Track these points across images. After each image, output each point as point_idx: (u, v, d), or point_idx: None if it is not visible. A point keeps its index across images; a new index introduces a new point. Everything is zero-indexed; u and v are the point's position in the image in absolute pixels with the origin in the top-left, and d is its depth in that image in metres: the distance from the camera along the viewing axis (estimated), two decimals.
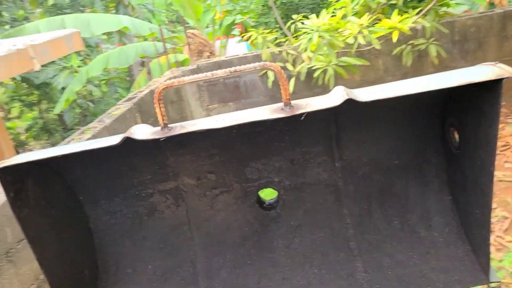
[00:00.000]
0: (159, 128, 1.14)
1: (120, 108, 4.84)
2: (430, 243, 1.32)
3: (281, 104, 1.05)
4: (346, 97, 0.99)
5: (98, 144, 1.14)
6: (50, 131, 12.51)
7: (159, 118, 1.10)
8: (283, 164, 1.35)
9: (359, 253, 1.33)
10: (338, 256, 1.34)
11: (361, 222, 1.35)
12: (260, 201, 1.41)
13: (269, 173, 1.36)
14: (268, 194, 1.43)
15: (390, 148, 1.34)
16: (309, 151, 1.33)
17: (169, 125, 1.14)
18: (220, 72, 1.12)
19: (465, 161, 1.21)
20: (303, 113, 0.99)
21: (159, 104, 1.09)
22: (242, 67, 1.08)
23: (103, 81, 13.85)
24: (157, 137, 1.10)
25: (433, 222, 1.33)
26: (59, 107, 9.16)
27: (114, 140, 1.10)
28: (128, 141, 1.15)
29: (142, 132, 1.11)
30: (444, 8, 5.84)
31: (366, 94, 1.02)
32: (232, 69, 1.08)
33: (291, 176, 1.36)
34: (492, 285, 1.21)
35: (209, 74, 1.12)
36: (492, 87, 1.00)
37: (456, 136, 1.25)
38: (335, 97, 1.01)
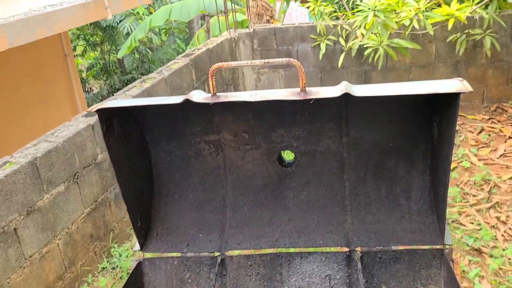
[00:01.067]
0: (209, 95, 1.53)
1: (178, 62, 5.29)
2: (406, 210, 1.67)
3: (298, 89, 1.41)
4: (344, 91, 1.33)
5: (165, 101, 1.55)
6: (109, 72, 13.09)
7: (211, 88, 1.49)
8: (301, 134, 1.73)
9: (350, 210, 1.71)
10: (333, 209, 1.73)
11: (356, 187, 1.73)
12: (280, 159, 1.81)
13: (289, 139, 1.74)
14: (287, 156, 1.83)
15: (388, 132, 1.68)
16: (323, 126, 1.70)
17: (217, 94, 1.52)
18: (256, 62, 1.48)
19: (439, 150, 1.54)
20: (312, 99, 1.35)
21: (212, 78, 1.48)
22: (273, 60, 1.44)
23: (163, 30, 14.34)
24: (207, 101, 1.49)
25: (412, 194, 1.68)
26: (122, 53, 9.75)
27: (177, 99, 1.50)
28: (186, 101, 1.56)
29: (198, 96, 1.51)
30: None
31: (362, 90, 1.35)
32: (266, 60, 1.44)
33: (306, 144, 1.74)
34: (447, 246, 1.57)
35: (248, 62, 1.49)
36: (455, 97, 1.32)
37: (436, 130, 1.57)
38: (337, 90, 1.35)
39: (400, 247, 1.62)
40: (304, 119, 1.69)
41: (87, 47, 13.49)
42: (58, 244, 3.42)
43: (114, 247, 4.01)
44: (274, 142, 1.75)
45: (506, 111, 5.93)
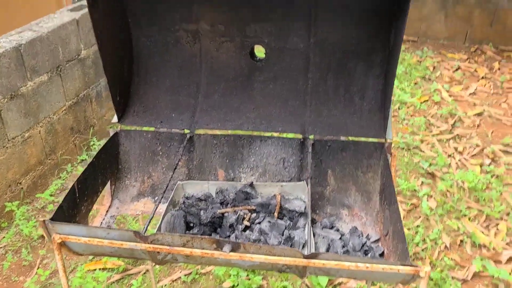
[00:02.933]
0: None
1: None
2: (358, 108, 1.87)
3: None
4: None
5: None
6: None
7: None
8: (273, 30, 1.86)
9: (309, 104, 1.91)
10: (295, 102, 1.92)
11: (317, 84, 1.90)
12: (252, 54, 1.96)
13: (262, 34, 1.88)
14: (259, 53, 1.98)
15: (351, 36, 1.83)
16: (293, 24, 1.83)
17: None
18: None
19: (391, 56, 1.72)
20: None
21: None
22: None
23: None
24: None
25: (366, 95, 1.87)
26: None
27: None
28: None
29: None
30: None
31: None
32: None
33: (277, 40, 1.88)
34: (388, 140, 1.80)
35: None
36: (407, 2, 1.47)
37: (393, 37, 1.73)
38: None
39: (348, 138, 1.84)
40: (277, 15, 1.82)
41: None
42: (40, 131, 3.59)
43: (93, 141, 4.20)
44: (248, 37, 1.89)
45: (485, 53, 6.08)
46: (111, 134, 1.90)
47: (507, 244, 3.24)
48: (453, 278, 2.97)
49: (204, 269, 3.10)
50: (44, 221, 1.34)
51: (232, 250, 1.34)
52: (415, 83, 5.44)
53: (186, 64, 1.96)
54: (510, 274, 2.93)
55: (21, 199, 3.44)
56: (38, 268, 3.04)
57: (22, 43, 3.31)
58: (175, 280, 3.04)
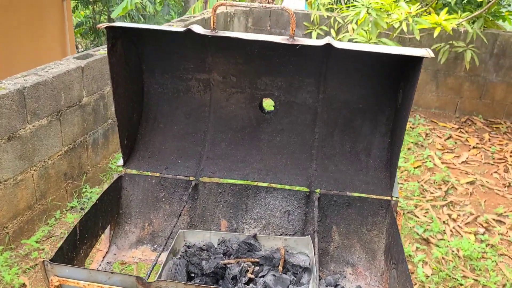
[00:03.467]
0: (209, 30, 1.69)
1: (173, 25, 5.39)
2: (364, 165, 1.89)
3: (287, 36, 1.58)
4: (327, 42, 1.52)
5: (166, 28, 1.70)
6: (97, 33, 13.01)
7: (212, 23, 1.64)
8: (283, 84, 1.91)
9: (316, 158, 1.92)
10: (301, 156, 1.93)
11: (324, 139, 1.93)
12: (261, 106, 2.00)
13: (272, 88, 1.93)
14: (268, 106, 2.01)
15: (359, 94, 1.88)
16: (304, 80, 1.89)
17: (216, 30, 1.68)
18: (256, 5, 1.66)
19: (399, 114, 1.76)
20: (299, 45, 1.53)
21: (214, 14, 1.64)
22: (270, 5, 1.62)
23: (159, 0, 14.26)
24: (207, 33, 1.64)
25: (372, 152, 1.89)
26: (116, 13, 9.70)
27: (180, 29, 1.65)
28: (182, 37, 1.71)
29: (199, 29, 1.67)
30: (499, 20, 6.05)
31: (343, 44, 1.54)
32: (264, 4, 1.62)
33: (286, 94, 1.93)
34: (394, 198, 1.79)
35: (248, 4, 1.66)
36: (419, 62, 1.52)
37: (401, 96, 1.79)
38: (321, 41, 1.54)
39: (354, 194, 1.84)
40: (288, 70, 1.87)
41: (79, 4, 13.32)
42: (33, 174, 3.52)
43: (86, 188, 4.13)
44: (258, 89, 1.93)
45: (475, 123, 6.27)
46: (115, 177, 1.87)
47: None
48: None
49: None
50: (43, 261, 1.28)
51: None
52: (408, 149, 5.54)
53: (194, 112, 1.98)
54: None
55: (6, 244, 3.31)
56: None
57: (26, 86, 3.33)
58: None
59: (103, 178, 4.40)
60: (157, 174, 1.90)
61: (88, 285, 1.28)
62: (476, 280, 3.49)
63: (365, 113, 1.89)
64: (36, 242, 3.46)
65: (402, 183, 4.92)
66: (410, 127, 6.09)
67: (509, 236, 4.03)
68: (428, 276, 3.50)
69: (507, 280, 3.47)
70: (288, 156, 1.92)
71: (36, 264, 3.31)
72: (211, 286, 1.27)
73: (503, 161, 5.44)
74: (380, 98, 1.86)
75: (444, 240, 3.97)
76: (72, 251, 1.51)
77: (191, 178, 1.89)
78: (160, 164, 1.92)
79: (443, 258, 3.74)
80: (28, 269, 3.26)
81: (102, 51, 4.31)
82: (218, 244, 1.76)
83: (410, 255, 3.77)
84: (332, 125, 1.91)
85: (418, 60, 1.54)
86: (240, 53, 1.86)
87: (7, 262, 3.21)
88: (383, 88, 1.84)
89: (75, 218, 3.79)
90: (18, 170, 3.37)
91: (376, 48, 1.52)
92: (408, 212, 4.39)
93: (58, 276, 1.29)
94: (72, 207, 3.98)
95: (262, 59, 1.86)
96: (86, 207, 3.98)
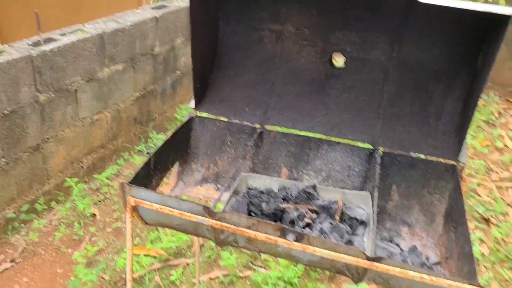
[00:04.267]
0: None
1: None
2: (433, 129, 1.84)
3: None
4: None
5: None
6: None
7: None
8: (357, 40, 1.89)
9: (383, 118, 1.90)
10: (369, 114, 1.92)
11: (393, 99, 1.90)
12: (331, 61, 2.00)
13: (345, 43, 1.91)
14: (338, 63, 2.01)
15: (436, 56, 1.82)
16: (379, 37, 1.86)
17: None
18: None
19: (477, 78, 1.69)
20: None
21: None
22: None
23: None
24: None
25: (442, 116, 1.84)
26: None
27: None
28: None
29: None
30: None
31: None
32: None
33: (359, 50, 1.91)
34: (461, 164, 1.75)
35: None
36: (505, 23, 1.44)
37: (481, 60, 1.71)
38: None
39: (419, 156, 1.82)
40: (363, 26, 1.84)
41: None
42: (107, 116, 3.77)
43: (152, 134, 4.35)
44: (330, 43, 1.93)
45: None
46: (186, 118, 1.97)
47: None
48: None
49: (242, 273, 3.10)
50: (122, 183, 1.41)
51: (296, 240, 1.34)
52: (478, 126, 5.28)
53: (265, 63, 2.02)
54: None
55: (80, 177, 3.60)
56: (87, 243, 3.15)
57: (106, 32, 3.51)
58: (213, 279, 3.06)
59: (168, 126, 4.61)
60: (225, 119, 1.98)
61: (160, 208, 1.39)
62: None
63: (439, 76, 1.83)
64: (107, 178, 3.73)
65: (467, 160, 4.74)
66: (483, 104, 5.77)
67: None
68: (485, 255, 3.42)
69: None
70: (355, 113, 1.92)
71: (106, 198, 3.59)
72: (273, 223, 1.34)
73: None
74: (458, 61, 1.79)
75: (506, 222, 3.82)
76: (146, 179, 1.64)
77: (257, 126, 1.96)
78: (229, 110, 1.99)
79: (502, 239, 3.62)
80: (99, 201, 3.55)
81: (175, 3, 4.41)
82: (278, 190, 1.83)
83: None
84: (403, 86, 1.88)
85: (504, 19, 1.46)
86: (316, 6, 1.85)
87: (81, 193, 3.51)
88: (462, 51, 1.77)
89: (141, 160, 4.03)
90: (94, 110, 3.61)
91: (462, 4, 1.46)
92: (470, 190, 4.25)
93: (134, 197, 1.42)
94: (139, 150, 4.22)
95: (337, 12, 1.85)
96: (151, 152, 4.21)
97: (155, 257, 3.14)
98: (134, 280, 2.93)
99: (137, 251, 3.14)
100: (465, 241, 1.44)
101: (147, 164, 1.62)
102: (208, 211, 1.38)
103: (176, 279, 2.97)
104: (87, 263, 3.00)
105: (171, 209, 1.40)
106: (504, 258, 3.41)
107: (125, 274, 2.96)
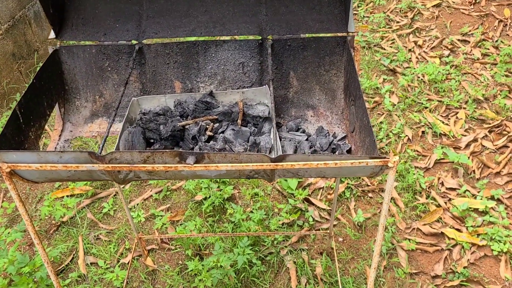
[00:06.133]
0: None
1: None
2: (317, 2, 1.75)
3: None
4: None
5: None
6: None
7: None
8: None
9: (265, 2, 1.76)
10: (249, 1, 1.77)
11: None
12: None
13: None
14: None
15: None
16: None
17: None
18: None
19: None
20: None
21: None
22: None
23: None
24: None
25: None
26: None
27: None
28: None
29: None
30: None
31: None
32: None
33: None
34: (350, 34, 1.71)
35: None
36: None
37: None
38: None
39: (308, 35, 1.74)
40: None
41: None
42: None
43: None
44: None
45: None
46: (50, 51, 1.72)
47: (465, 130, 3.36)
48: (416, 167, 3.09)
49: (174, 185, 3.10)
50: None
51: (196, 162, 1.28)
52: None
53: None
54: (468, 158, 3.07)
55: None
56: (2, 201, 2.95)
57: None
58: (147, 198, 3.03)
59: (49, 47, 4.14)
60: (96, 42, 1.75)
61: (41, 166, 1.25)
62: (440, 101, 3.62)
63: None
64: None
65: (368, 16, 4.77)
66: None
67: (473, 55, 4.08)
68: (395, 105, 3.62)
69: (469, 97, 3.61)
70: (235, 3, 1.75)
71: None
72: (166, 150, 1.25)
73: None
74: None
75: (410, 68, 4.00)
76: (19, 135, 1.45)
77: (134, 42, 1.75)
78: (97, 31, 1.75)
79: (408, 85, 3.82)
80: None
81: None
82: (174, 107, 1.72)
83: (377, 87, 3.84)
84: None
85: None
86: None
87: None
88: None
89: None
90: None
91: None
92: (374, 45, 4.34)
93: (6, 163, 1.25)
94: None
95: None
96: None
97: (81, 195, 3.03)
98: (65, 223, 2.84)
99: (60, 194, 3.00)
100: (363, 114, 1.45)
101: (13, 119, 1.42)
102: (96, 157, 1.25)
103: (109, 210, 2.91)
104: (9, 221, 2.84)
105: (53, 164, 1.26)
106: (412, 103, 3.64)
107: (54, 220, 2.85)
